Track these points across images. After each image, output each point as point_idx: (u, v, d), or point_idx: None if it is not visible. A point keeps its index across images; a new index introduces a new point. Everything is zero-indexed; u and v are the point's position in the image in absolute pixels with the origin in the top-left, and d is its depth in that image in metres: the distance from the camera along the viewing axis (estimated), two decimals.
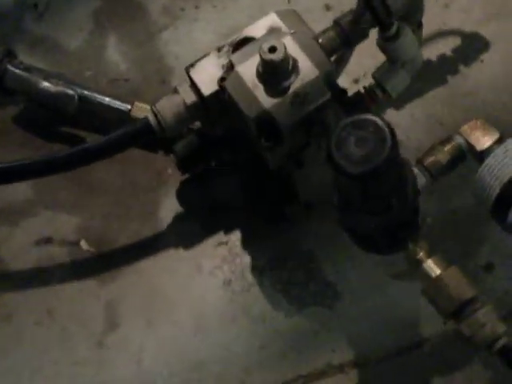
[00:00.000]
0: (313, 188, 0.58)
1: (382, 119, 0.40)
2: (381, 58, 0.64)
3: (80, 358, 0.55)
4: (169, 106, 0.52)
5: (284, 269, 0.57)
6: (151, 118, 0.53)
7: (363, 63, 0.64)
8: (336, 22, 0.53)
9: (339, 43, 0.53)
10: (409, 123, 0.62)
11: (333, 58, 0.55)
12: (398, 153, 0.41)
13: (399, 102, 0.62)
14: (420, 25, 0.56)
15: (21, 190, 0.62)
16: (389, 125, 0.40)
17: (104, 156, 0.55)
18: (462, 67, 0.64)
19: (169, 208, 0.61)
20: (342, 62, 0.64)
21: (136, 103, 0.61)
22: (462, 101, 0.62)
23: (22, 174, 0.55)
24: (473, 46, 0.65)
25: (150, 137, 0.54)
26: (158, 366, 0.55)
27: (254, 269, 0.58)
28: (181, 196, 0.61)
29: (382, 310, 0.55)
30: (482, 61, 0.64)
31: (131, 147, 0.57)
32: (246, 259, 0.58)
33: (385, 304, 0.55)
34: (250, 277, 0.58)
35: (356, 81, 0.64)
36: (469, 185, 0.56)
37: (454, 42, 0.65)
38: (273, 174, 0.55)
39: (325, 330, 0.55)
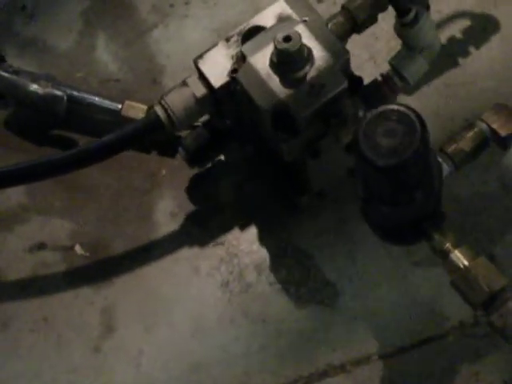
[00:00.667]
0: (326, 177, 0.56)
1: (412, 110, 0.39)
2: (375, 49, 0.64)
3: (78, 365, 0.55)
4: (178, 100, 0.51)
5: (282, 268, 0.57)
6: (160, 112, 0.51)
7: (356, 54, 0.63)
8: (344, 7, 0.52)
9: (348, 28, 0.52)
10: None
11: None
12: (428, 145, 0.40)
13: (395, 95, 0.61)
14: (428, 8, 0.54)
15: (14, 196, 0.61)
16: (419, 116, 0.39)
17: (111, 154, 0.52)
18: (457, 57, 0.63)
19: (164, 210, 0.60)
20: None
21: (127, 102, 0.60)
22: (459, 91, 0.61)
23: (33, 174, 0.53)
24: (468, 35, 0.63)
25: (158, 132, 0.52)
26: (156, 369, 0.54)
27: (252, 269, 0.57)
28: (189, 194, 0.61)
29: (383, 306, 0.54)
30: (477, 47, 0.63)
31: (138, 144, 0.56)
32: (244, 259, 0.57)
33: (386, 300, 0.54)
34: (247, 277, 0.57)
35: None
36: (468, 173, 0.55)
37: (448, 31, 0.64)
38: (285, 166, 0.53)
39: (325, 329, 0.54)
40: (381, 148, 0.37)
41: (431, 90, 0.62)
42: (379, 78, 0.51)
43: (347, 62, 0.47)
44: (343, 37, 0.53)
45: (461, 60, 0.63)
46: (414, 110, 0.38)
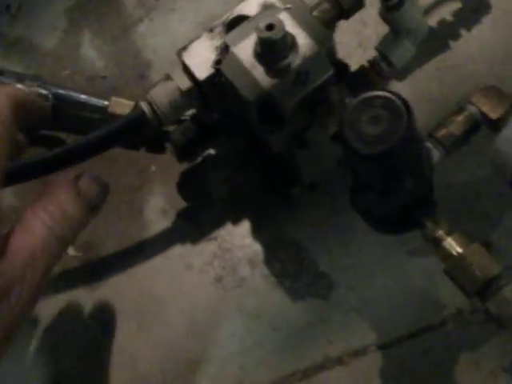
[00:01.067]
0: (317, 168, 0.56)
1: (398, 95, 0.37)
2: (363, 35, 0.63)
3: (71, 367, 0.54)
4: (163, 94, 0.50)
5: (276, 261, 0.56)
6: (145, 107, 0.50)
7: (345, 41, 0.62)
8: None
9: (335, 15, 0.51)
10: None
11: None
12: (415, 131, 0.39)
13: (384, 81, 0.60)
14: None
15: (3, 197, 0.61)
16: (405, 101, 0.37)
17: (95, 152, 0.51)
18: (449, 40, 0.62)
19: (155, 207, 0.59)
20: None
21: (113, 98, 0.59)
22: (450, 74, 0.60)
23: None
24: (459, 17, 0.62)
25: (144, 127, 0.50)
26: (152, 369, 0.53)
27: (245, 263, 0.56)
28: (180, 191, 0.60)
29: (378, 296, 0.53)
30: (469, 29, 0.61)
31: (125, 141, 0.55)
32: (237, 254, 0.57)
33: (381, 290, 0.53)
34: (241, 272, 0.56)
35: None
36: (462, 159, 0.54)
37: (439, 14, 0.62)
38: (274, 158, 0.52)
39: (321, 322, 0.53)
40: (366, 136, 0.36)
41: (423, 74, 0.61)
42: (366, 64, 0.50)
43: (333, 48, 0.46)
44: (330, 23, 0.52)
45: (452, 43, 0.61)
46: (399, 95, 0.37)
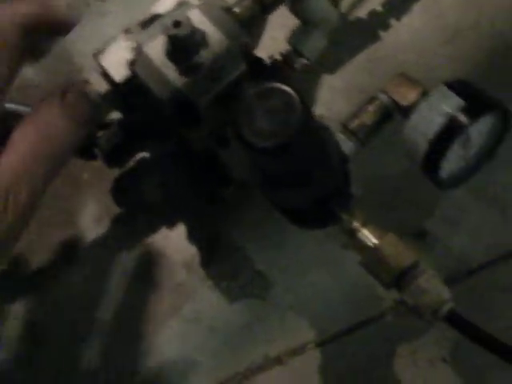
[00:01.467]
0: (244, 166, 0.55)
1: (291, 86, 0.37)
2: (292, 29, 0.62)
3: None
4: None
5: (212, 263, 0.55)
6: None
7: (276, 36, 0.61)
8: None
9: (257, 10, 0.50)
10: (328, 95, 0.59)
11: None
12: (313, 123, 0.38)
13: (316, 74, 0.59)
14: None
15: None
16: (298, 92, 0.37)
17: None
18: (379, 30, 0.61)
19: (88, 215, 0.58)
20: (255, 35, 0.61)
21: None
22: (381, 65, 0.59)
23: None
24: (389, 7, 0.62)
25: None
26: (85, 382, 0.52)
27: (182, 267, 0.55)
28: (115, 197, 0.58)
29: (315, 293, 0.52)
30: (399, 19, 0.61)
31: None
32: (173, 258, 0.55)
33: (318, 287, 0.53)
34: (177, 276, 0.55)
35: (271, 57, 0.61)
36: (394, 149, 0.54)
37: (369, 5, 0.62)
38: (202, 158, 0.51)
39: (259, 322, 0.52)
40: (261, 130, 0.35)
41: (354, 66, 0.60)
42: (279, 58, 0.49)
43: (246, 44, 0.45)
44: (253, 19, 0.51)
45: (382, 34, 0.61)
46: (293, 87, 0.36)
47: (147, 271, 0.55)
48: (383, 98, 0.43)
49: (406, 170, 0.55)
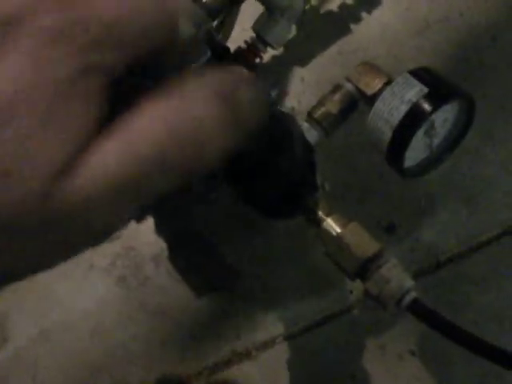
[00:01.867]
0: None
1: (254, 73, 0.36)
2: None
3: None
4: None
5: (180, 257, 0.54)
6: None
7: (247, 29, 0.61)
8: None
9: (226, 0, 0.49)
10: (299, 88, 0.59)
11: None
12: (274, 113, 0.37)
13: (287, 67, 0.59)
14: None
15: None
16: (263, 80, 0.36)
17: None
18: (350, 24, 0.61)
19: None
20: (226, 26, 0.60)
21: None
22: (352, 58, 0.59)
23: None
24: (359, 0, 0.62)
25: None
26: (54, 377, 0.51)
27: (150, 260, 0.54)
28: None
29: (285, 286, 0.52)
30: (369, 12, 0.61)
31: None
32: (141, 252, 0.55)
33: (287, 280, 0.52)
34: (145, 270, 0.54)
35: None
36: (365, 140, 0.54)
37: None
38: None
39: (227, 316, 0.52)
40: None
41: (325, 59, 0.60)
42: (243, 46, 0.48)
43: (210, 31, 0.45)
44: (221, 10, 0.51)
45: (353, 26, 0.61)
46: (257, 75, 0.35)
47: (114, 264, 0.54)
48: (348, 86, 0.43)
49: (374, 163, 0.55)
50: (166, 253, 0.54)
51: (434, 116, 0.39)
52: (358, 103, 0.43)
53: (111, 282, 0.54)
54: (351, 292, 0.51)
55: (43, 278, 0.56)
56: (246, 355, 0.50)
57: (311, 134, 0.42)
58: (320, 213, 0.40)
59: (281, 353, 0.50)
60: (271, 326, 0.51)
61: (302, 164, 0.39)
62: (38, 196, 0.19)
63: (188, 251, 0.54)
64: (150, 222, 0.56)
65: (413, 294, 0.38)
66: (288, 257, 0.53)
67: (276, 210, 0.42)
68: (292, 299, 0.52)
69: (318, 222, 0.40)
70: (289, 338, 0.50)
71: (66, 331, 0.53)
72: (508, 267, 0.51)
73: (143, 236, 0.55)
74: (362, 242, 0.38)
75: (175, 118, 0.21)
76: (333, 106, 0.42)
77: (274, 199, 0.40)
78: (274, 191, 0.39)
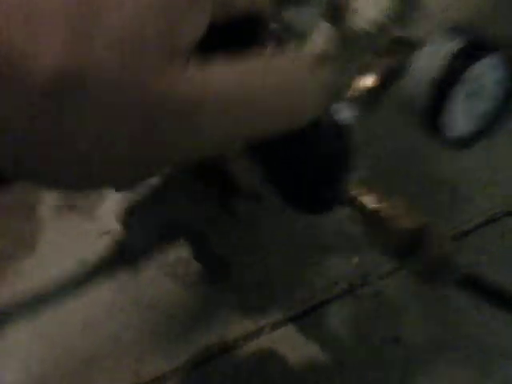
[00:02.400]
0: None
1: None
2: None
3: None
4: None
5: (170, 249, 0.55)
6: None
7: None
8: None
9: None
10: None
11: None
12: None
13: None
14: None
15: None
16: None
17: None
18: None
19: (48, 204, 0.58)
20: None
21: None
22: None
23: None
24: None
25: None
26: (47, 369, 0.52)
27: (140, 254, 0.55)
28: None
29: (272, 277, 0.53)
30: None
31: None
32: (132, 245, 0.56)
33: (275, 271, 0.53)
34: (136, 263, 0.55)
35: None
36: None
37: None
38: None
39: (216, 307, 0.53)
40: None
41: None
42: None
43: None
44: None
45: None
46: None
47: (105, 258, 0.55)
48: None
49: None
50: (155, 245, 0.56)
51: (474, 71, 0.37)
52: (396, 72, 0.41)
53: (103, 275, 0.55)
54: (336, 283, 0.52)
55: (35, 272, 0.57)
56: (234, 345, 0.51)
57: (346, 113, 0.40)
58: (359, 191, 0.38)
59: (268, 342, 0.51)
60: (259, 316, 0.52)
61: (339, 144, 0.38)
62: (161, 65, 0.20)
63: (177, 243, 0.55)
64: (139, 215, 0.57)
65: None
66: (277, 246, 0.54)
67: (314, 200, 0.40)
68: (280, 290, 0.53)
69: (355, 201, 0.38)
70: (275, 327, 0.51)
71: (59, 325, 0.54)
72: (491, 256, 0.52)
73: (133, 229, 0.57)
74: (409, 215, 0.38)
75: (288, 70, 0.23)
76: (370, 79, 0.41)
77: (315, 183, 0.39)
78: (315, 163, 0.37)
